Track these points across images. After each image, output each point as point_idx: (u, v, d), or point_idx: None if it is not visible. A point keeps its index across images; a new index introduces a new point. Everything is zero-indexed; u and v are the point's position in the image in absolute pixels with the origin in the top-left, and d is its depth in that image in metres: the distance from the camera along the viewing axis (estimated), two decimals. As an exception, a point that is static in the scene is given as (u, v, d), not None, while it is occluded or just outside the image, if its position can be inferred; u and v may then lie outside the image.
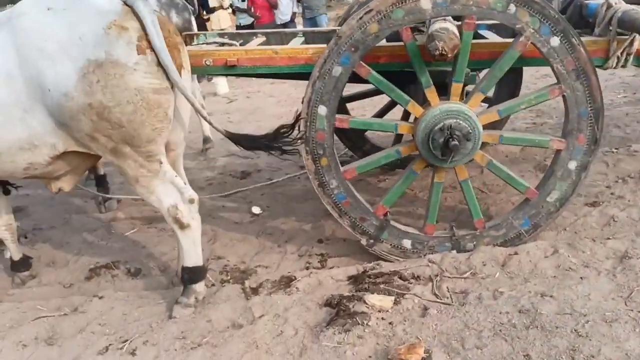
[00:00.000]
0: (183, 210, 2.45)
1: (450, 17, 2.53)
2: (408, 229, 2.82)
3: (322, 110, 2.60)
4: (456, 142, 2.46)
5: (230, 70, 2.81)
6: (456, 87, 2.54)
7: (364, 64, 2.53)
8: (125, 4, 2.28)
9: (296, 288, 2.51)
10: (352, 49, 2.49)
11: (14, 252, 3.09)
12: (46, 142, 2.34)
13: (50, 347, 2.31)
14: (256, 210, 3.70)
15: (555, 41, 2.42)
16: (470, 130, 2.50)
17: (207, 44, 3.27)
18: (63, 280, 3.08)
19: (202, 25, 8.94)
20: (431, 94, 2.57)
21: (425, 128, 2.55)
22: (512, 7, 2.39)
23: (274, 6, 9.11)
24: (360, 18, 2.45)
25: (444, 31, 2.30)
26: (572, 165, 2.62)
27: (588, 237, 2.70)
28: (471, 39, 2.46)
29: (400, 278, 2.49)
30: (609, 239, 2.59)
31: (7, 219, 3.01)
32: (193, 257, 2.53)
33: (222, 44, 3.19)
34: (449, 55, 2.33)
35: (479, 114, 2.59)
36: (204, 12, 9.55)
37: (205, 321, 2.33)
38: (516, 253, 2.52)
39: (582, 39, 2.47)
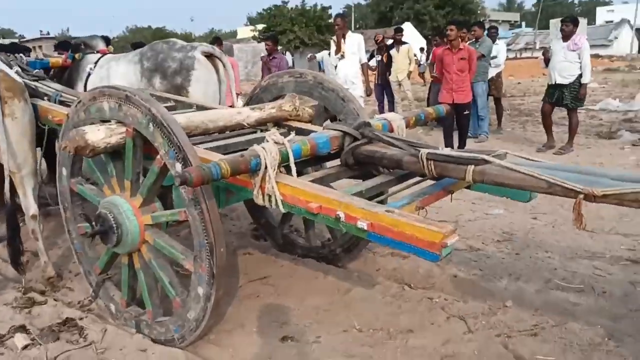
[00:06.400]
0: None
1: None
2: (115, 295, 3.14)
3: (64, 171, 3.16)
4: (89, 231, 2.75)
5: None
6: (126, 183, 2.80)
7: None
8: None
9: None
10: (74, 129, 2.99)
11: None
12: None
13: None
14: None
15: (178, 167, 2.48)
16: (114, 224, 2.74)
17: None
18: None
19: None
20: (114, 183, 2.88)
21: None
22: (151, 127, 2.56)
23: None
24: (76, 105, 2.94)
25: (76, 131, 2.63)
26: (200, 291, 2.59)
27: None
28: (131, 145, 2.69)
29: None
30: None
31: None
32: None
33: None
34: (85, 153, 2.64)
35: (144, 212, 2.77)
36: None
37: None
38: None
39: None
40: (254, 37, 38.55)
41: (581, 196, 1.93)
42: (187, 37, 44.53)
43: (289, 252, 4.05)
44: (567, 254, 3.93)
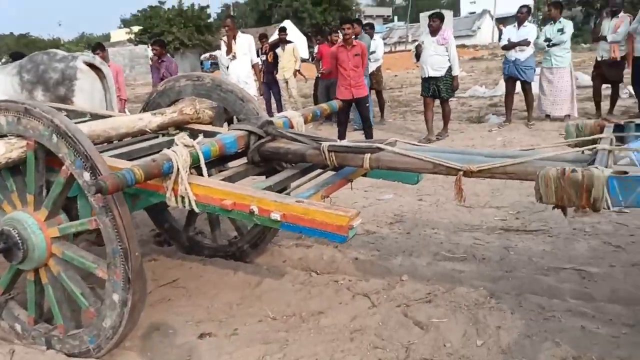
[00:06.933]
0: None
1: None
2: (20, 314, 3.06)
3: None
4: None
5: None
6: (29, 197, 2.75)
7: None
8: None
9: None
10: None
11: None
12: None
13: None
14: None
15: (87, 176, 2.50)
16: (19, 240, 2.69)
17: None
18: None
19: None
20: (14, 198, 2.82)
21: (-1, 227, 2.81)
22: (55, 138, 2.55)
23: None
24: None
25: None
26: (116, 297, 2.63)
27: None
28: (33, 158, 2.66)
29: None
30: None
31: None
32: None
33: None
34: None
35: (50, 225, 2.75)
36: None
37: None
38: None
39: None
40: (129, 40, 37.15)
41: (461, 173, 2.26)
42: (56, 43, 42.08)
43: (197, 254, 4.12)
44: (450, 229, 4.38)
